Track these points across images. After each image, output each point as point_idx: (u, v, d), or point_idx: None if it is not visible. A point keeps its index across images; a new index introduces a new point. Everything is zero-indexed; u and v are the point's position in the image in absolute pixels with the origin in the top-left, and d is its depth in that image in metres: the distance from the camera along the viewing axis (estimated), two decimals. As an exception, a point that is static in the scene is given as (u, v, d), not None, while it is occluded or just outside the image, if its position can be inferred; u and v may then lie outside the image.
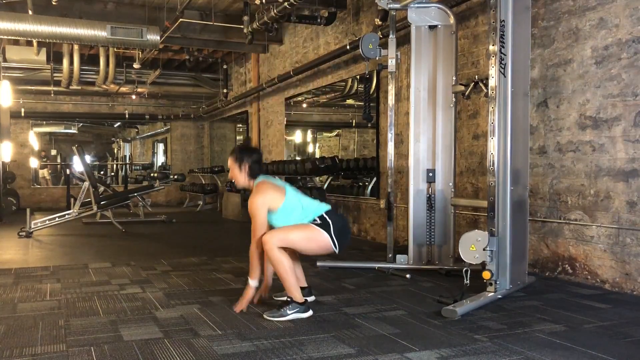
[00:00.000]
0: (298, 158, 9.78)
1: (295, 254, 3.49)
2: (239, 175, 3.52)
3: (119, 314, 3.32)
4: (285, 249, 3.28)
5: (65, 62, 10.21)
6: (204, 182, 12.56)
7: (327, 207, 3.48)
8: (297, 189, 3.59)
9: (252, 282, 3.38)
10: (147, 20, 8.39)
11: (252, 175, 3.50)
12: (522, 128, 3.92)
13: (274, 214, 3.37)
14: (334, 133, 9.61)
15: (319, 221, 3.36)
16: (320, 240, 3.34)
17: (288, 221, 3.37)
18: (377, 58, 4.99)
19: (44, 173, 14.70)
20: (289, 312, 3.21)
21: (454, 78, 4.67)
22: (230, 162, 3.58)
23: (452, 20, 4.73)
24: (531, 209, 4.41)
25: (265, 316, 3.23)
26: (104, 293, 3.91)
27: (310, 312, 3.28)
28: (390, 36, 4.85)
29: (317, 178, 8.30)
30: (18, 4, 7.54)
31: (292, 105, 9.42)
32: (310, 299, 3.54)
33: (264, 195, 3.35)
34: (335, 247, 3.36)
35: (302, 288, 3.42)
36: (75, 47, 9.93)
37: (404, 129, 5.88)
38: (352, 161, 7.59)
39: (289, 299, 3.26)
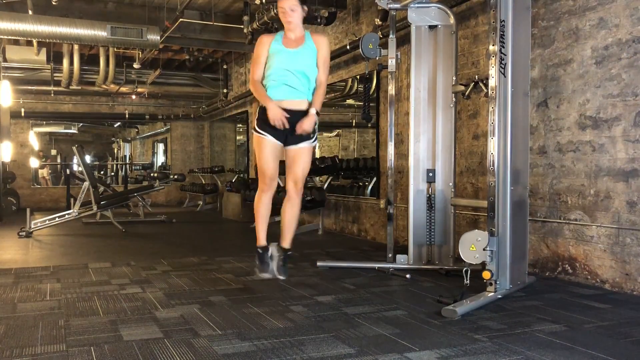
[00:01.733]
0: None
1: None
2: (300, 17, 3.64)
3: (119, 314, 3.32)
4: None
5: (65, 62, 10.22)
6: (204, 182, 12.56)
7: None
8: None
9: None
10: (147, 20, 8.40)
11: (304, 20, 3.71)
12: (522, 128, 3.92)
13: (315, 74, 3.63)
14: (334, 133, 9.61)
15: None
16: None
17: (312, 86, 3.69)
18: (377, 58, 4.99)
19: (43, 173, 14.70)
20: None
21: (454, 78, 4.67)
22: (294, 3, 3.60)
23: (452, 20, 4.73)
24: (531, 209, 4.41)
25: (281, 276, 3.67)
26: (104, 293, 3.91)
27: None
28: (390, 36, 4.85)
29: (317, 178, 8.29)
30: (18, 4, 7.54)
31: (292, 105, 9.40)
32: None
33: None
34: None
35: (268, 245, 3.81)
36: (75, 47, 9.93)
37: (404, 129, 5.88)
38: (352, 161, 7.59)
39: (290, 253, 3.70)
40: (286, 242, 3.74)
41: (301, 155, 3.63)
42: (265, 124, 3.63)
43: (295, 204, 3.67)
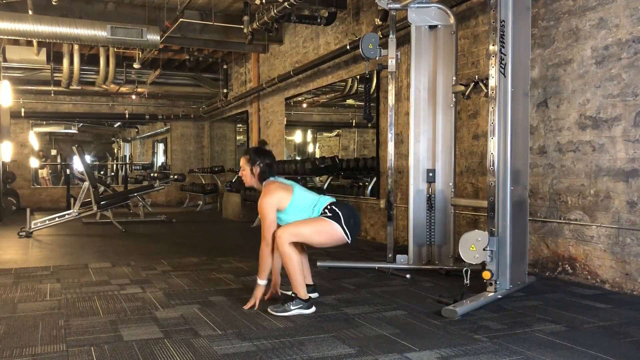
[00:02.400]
0: (298, 158, 9.78)
1: (303, 250, 3.57)
2: (249, 177, 3.62)
3: (119, 314, 3.32)
4: (295, 245, 3.36)
5: (65, 62, 10.22)
6: (204, 182, 12.56)
7: (333, 199, 3.54)
8: (303, 186, 3.65)
9: (261, 282, 3.45)
10: (147, 20, 8.40)
11: (262, 178, 3.60)
12: (522, 128, 3.92)
13: (283, 213, 3.46)
14: (334, 133, 9.61)
15: (328, 213, 3.41)
16: (332, 232, 3.39)
17: (297, 218, 3.45)
18: (377, 58, 4.99)
19: (43, 173, 14.70)
20: (292, 307, 3.28)
21: (454, 78, 4.67)
22: (243, 162, 3.63)
23: (452, 20, 4.73)
24: (531, 209, 4.41)
25: (269, 310, 3.30)
26: (104, 293, 3.91)
27: (313, 309, 3.33)
28: (390, 36, 4.85)
29: (317, 178, 8.30)
30: (18, 4, 7.54)
31: (292, 105, 9.43)
32: (314, 295, 3.60)
33: (272, 196, 3.45)
34: (348, 237, 3.41)
35: (307, 285, 3.49)
36: (75, 47, 9.93)
37: (404, 129, 5.88)
38: (352, 161, 7.58)
39: (293, 295, 3.32)
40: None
41: None
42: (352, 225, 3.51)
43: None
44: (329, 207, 3.44)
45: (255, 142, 10.80)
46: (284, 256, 3.33)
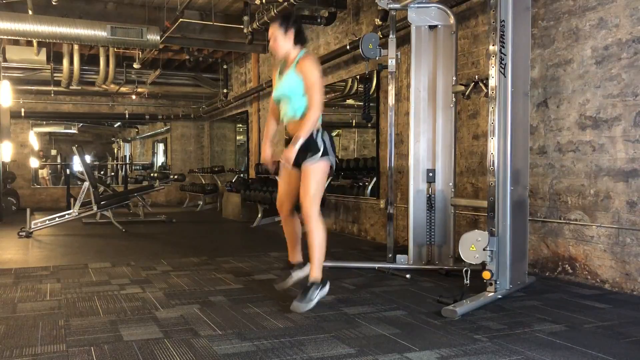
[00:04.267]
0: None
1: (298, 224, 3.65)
2: (282, 41, 3.46)
3: (119, 314, 3.32)
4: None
5: (65, 62, 10.22)
6: (204, 182, 12.56)
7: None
8: None
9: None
10: (147, 20, 8.40)
11: (299, 40, 3.47)
12: (522, 128, 3.92)
13: (302, 95, 3.40)
14: (334, 133, 9.61)
15: (319, 145, 3.42)
16: (326, 173, 3.50)
17: (302, 103, 3.42)
18: (377, 58, 4.99)
19: (43, 173, 14.71)
20: (314, 296, 3.34)
21: (454, 78, 4.67)
22: (273, 29, 3.48)
23: (452, 20, 4.73)
24: (531, 209, 4.41)
25: (297, 310, 3.29)
26: (104, 293, 3.91)
27: (328, 285, 3.46)
28: (390, 36, 4.85)
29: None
30: (18, 4, 7.54)
31: (292, 105, 9.40)
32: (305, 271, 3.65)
33: (319, 68, 3.42)
34: (333, 167, 3.52)
35: (295, 263, 3.66)
36: (75, 47, 9.93)
37: (404, 129, 5.88)
38: (352, 161, 7.59)
39: (310, 284, 3.37)
40: (311, 270, 3.45)
41: (304, 177, 3.43)
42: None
43: (307, 228, 3.42)
44: (320, 129, 3.45)
45: (255, 142, 10.81)
46: (316, 231, 3.36)
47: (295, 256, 3.72)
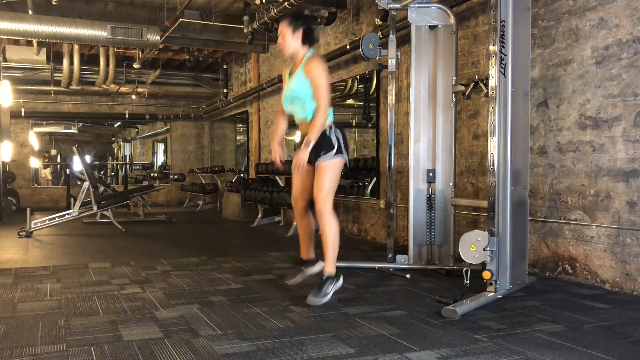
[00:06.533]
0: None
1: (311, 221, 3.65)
2: (292, 40, 3.48)
3: (119, 314, 3.32)
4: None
5: (65, 62, 10.22)
6: (204, 182, 12.56)
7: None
8: None
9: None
10: (147, 20, 8.40)
11: (307, 40, 3.49)
12: (522, 128, 3.92)
13: (310, 96, 3.45)
14: (334, 133, 9.59)
15: (334, 142, 3.48)
16: (340, 170, 3.55)
17: (312, 105, 3.46)
18: (377, 58, 4.99)
19: (46, 173, 14.72)
20: (329, 290, 3.39)
21: (454, 78, 4.67)
22: (282, 27, 3.50)
23: (452, 20, 4.73)
24: (531, 209, 4.41)
25: (312, 303, 3.35)
26: (104, 293, 3.91)
27: (342, 279, 3.49)
28: (391, 36, 4.85)
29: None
30: (18, 4, 7.54)
31: (293, 105, 9.40)
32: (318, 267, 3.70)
33: (325, 68, 3.46)
34: (347, 164, 3.58)
35: (307, 259, 3.68)
36: (75, 47, 9.93)
37: (404, 129, 5.88)
38: (352, 161, 7.57)
39: (325, 278, 3.41)
40: (326, 265, 3.52)
41: (318, 174, 3.49)
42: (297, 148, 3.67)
43: (321, 224, 3.46)
44: (333, 126, 3.50)
45: (255, 142, 10.81)
46: (330, 226, 3.39)
47: (308, 252, 3.76)
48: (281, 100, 3.73)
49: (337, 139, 3.50)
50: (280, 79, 8.96)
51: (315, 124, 3.40)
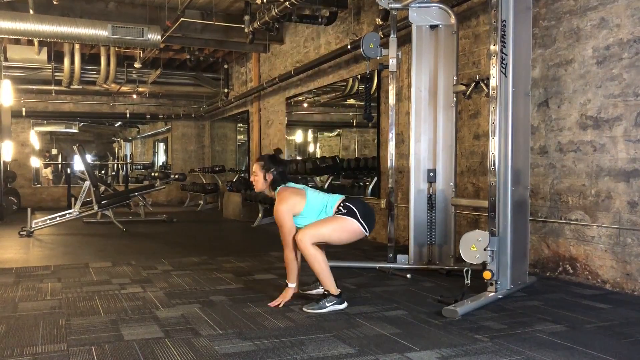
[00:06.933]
0: (299, 158, 9.78)
1: (323, 249, 3.60)
2: (262, 182, 3.64)
3: (120, 314, 3.32)
4: (317, 245, 3.45)
5: (66, 61, 10.22)
6: (204, 182, 12.56)
7: (343, 196, 3.63)
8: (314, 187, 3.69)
9: (291, 285, 3.57)
10: (148, 19, 8.40)
11: (275, 186, 3.63)
12: (523, 128, 3.92)
13: (299, 217, 3.52)
14: (335, 133, 9.61)
15: (343, 210, 3.49)
16: (350, 228, 3.48)
17: (313, 219, 3.52)
18: (378, 58, 4.99)
19: (47, 172, 14.72)
20: (327, 304, 3.38)
21: (455, 78, 4.67)
22: (256, 168, 3.66)
23: (453, 20, 4.73)
24: (532, 209, 4.40)
25: (304, 309, 3.37)
26: (105, 292, 3.91)
27: (346, 304, 3.45)
28: (391, 36, 4.85)
29: (318, 178, 8.30)
30: (19, 3, 7.55)
31: (293, 104, 9.43)
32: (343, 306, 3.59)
33: (287, 203, 3.49)
34: (366, 229, 3.50)
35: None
36: (76, 46, 9.93)
37: (404, 129, 5.88)
38: (353, 161, 7.58)
39: (326, 292, 3.42)
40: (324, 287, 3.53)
41: None
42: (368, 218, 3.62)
43: (307, 257, 3.46)
44: (342, 204, 3.52)
45: (256, 142, 10.81)
46: (309, 258, 3.40)
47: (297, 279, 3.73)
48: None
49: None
50: (280, 79, 8.97)
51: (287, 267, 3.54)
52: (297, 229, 3.49)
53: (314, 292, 3.69)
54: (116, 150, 18.83)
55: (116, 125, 17.04)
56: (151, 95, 13.06)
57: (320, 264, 3.41)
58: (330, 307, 3.38)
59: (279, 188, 3.60)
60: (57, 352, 2.63)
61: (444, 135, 4.76)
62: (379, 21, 6.16)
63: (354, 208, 3.48)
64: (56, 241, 6.88)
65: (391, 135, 4.94)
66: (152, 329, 3.00)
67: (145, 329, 3.00)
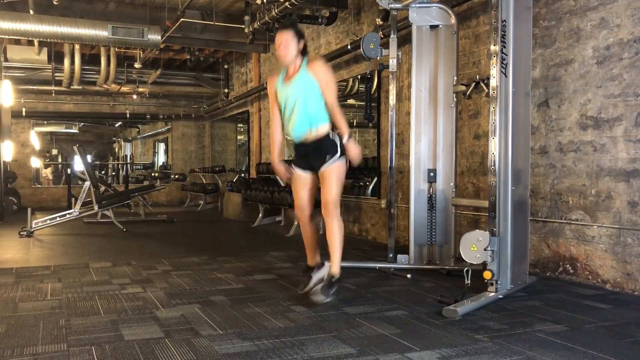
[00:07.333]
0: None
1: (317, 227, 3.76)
2: (295, 49, 3.57)
3: (120, 314, 3.32)
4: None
5: (67, 61, 10.22)
6: (204, 182, 12.56)
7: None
8: None
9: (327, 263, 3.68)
10: (148, 20, 8.40)
11: (305, 52, 3.63)
12: (523, 128, 3.92)
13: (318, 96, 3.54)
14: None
15: (340, 150, 3.56)
16: (345, 171, 3.63)
17: (319, 106, 3.55)
18: (378, 58, 4.98)
19: (47, 172, 14.73)
20: (333, 290, 3.52)
21: (455, 78, 4.67)
22: (286, 36, 3.55)
23: (453, 20, 4.73)
24: (532, 209, 4.40)
25: (319, 300, 3.47)
26: (105, 292, 3.91)
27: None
28: (392, 36, 4.85)
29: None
30: (19, 4, 7.55)
31: (293, 105, 9.40)
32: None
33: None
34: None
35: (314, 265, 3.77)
36: (77, 46, 9.94)
37: (405, 129, 5.88)
38: (353, 161, 7.56)
39: (333, 280, 3.51)
40: (332, 265, 3.58)
41: (326, 178, 3.55)
42: (295, 158, 3.73)
43: (331, 225, 3.54)
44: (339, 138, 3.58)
45: (256, 142, 10.81)
46: (340, 228, 3.52)
47: (315, 258, 3.81)
48: (273, 111, 3.77)
49: (338, 140, 3.57)
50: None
51: (339, 118, 3.53)
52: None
53: (323, 272, 3.71)
54: (116, 151, 18.85)
55: (116, 125, 17.06)
56: (151, 95, 13.06)
57: (342, 237, 3.54)
58: (334, 290, 3.51)
59: (307, 57, 3.62)
60: (57, 352, 2.63)
61: (444, 135, 4.76)
62: (379, 21, 6.16)
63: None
64: (56, 241, 6.89)
65: (391, 135, 4.94)
66: (152, 329, 3.00)
67: (146, 329, 3.00)
